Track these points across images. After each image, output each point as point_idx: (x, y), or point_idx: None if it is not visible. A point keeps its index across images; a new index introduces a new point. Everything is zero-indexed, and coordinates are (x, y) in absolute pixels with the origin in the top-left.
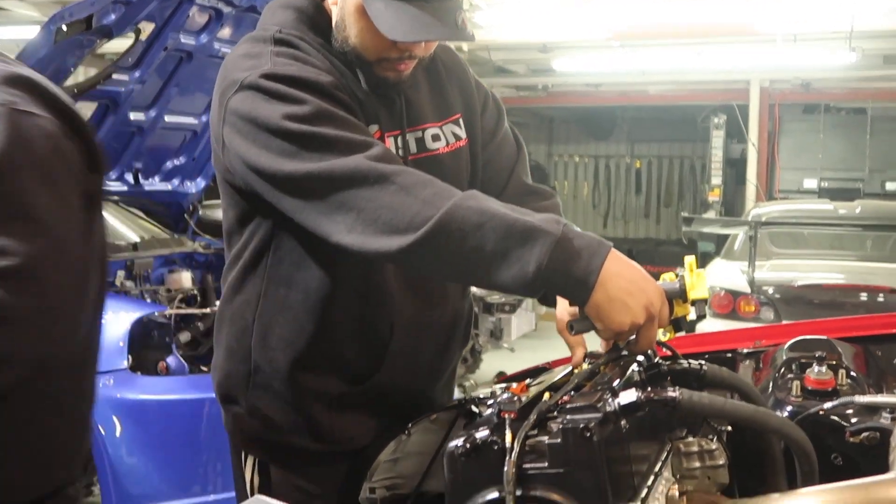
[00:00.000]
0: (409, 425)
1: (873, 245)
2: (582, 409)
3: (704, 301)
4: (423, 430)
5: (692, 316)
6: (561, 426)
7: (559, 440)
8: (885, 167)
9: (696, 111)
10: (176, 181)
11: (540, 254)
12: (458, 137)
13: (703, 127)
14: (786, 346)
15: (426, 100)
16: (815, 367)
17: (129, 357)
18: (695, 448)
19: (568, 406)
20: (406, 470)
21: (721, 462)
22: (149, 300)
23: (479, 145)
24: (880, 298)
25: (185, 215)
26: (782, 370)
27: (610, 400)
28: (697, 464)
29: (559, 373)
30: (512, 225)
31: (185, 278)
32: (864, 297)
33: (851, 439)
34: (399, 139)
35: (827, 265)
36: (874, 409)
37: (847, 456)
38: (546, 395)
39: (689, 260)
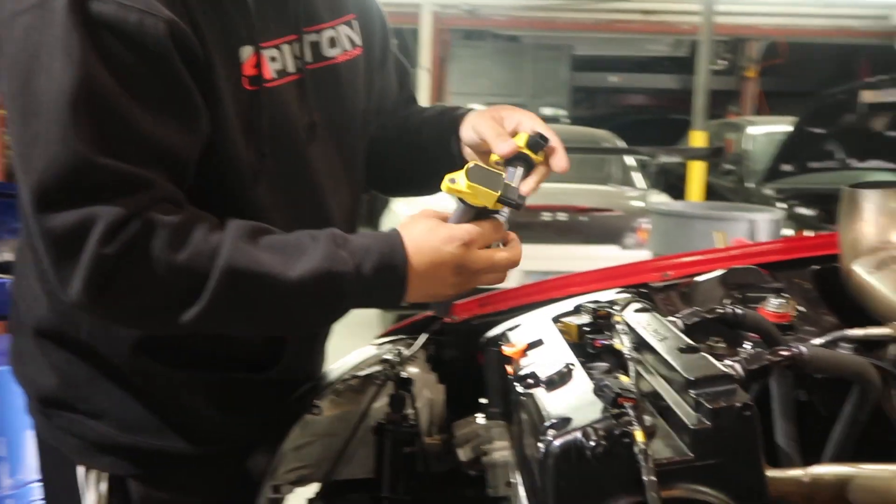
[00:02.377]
0: (315, 402)
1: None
2: (711, 381)
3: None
4: (329, 406)
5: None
6: (708, 406)
7: (709, 424)
8: (542, 93)
9: None
10: None
11: (340, 298)
12: (353, 44)
13: None
14: (714, 276)
15: None
16: (773, 300)
17: None
18: None
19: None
20: (313, 456)
21: None
22: None
23: (376, 57)
24: (582, 218)
25: None
26: (728, 304)
27: (733, 364)
28: None
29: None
30: (297, 284)
31: None
32: (566, 217)
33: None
34: (296, 46)
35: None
36: (832, 343)
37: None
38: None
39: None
